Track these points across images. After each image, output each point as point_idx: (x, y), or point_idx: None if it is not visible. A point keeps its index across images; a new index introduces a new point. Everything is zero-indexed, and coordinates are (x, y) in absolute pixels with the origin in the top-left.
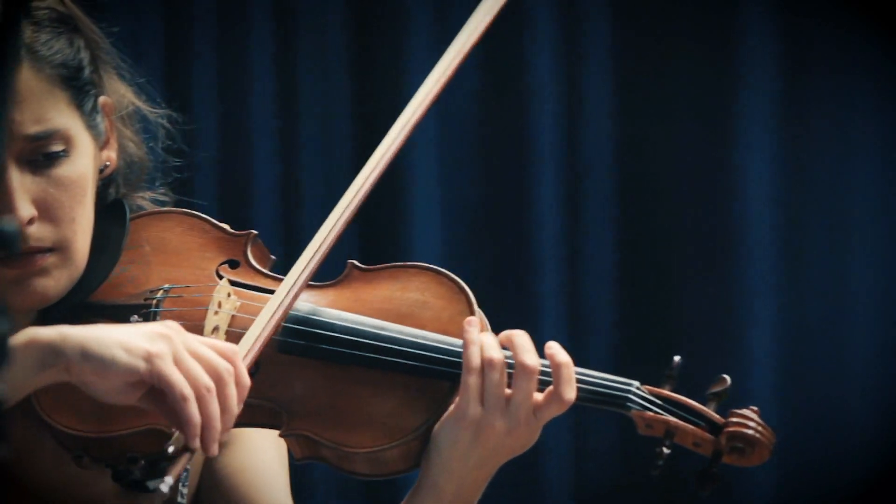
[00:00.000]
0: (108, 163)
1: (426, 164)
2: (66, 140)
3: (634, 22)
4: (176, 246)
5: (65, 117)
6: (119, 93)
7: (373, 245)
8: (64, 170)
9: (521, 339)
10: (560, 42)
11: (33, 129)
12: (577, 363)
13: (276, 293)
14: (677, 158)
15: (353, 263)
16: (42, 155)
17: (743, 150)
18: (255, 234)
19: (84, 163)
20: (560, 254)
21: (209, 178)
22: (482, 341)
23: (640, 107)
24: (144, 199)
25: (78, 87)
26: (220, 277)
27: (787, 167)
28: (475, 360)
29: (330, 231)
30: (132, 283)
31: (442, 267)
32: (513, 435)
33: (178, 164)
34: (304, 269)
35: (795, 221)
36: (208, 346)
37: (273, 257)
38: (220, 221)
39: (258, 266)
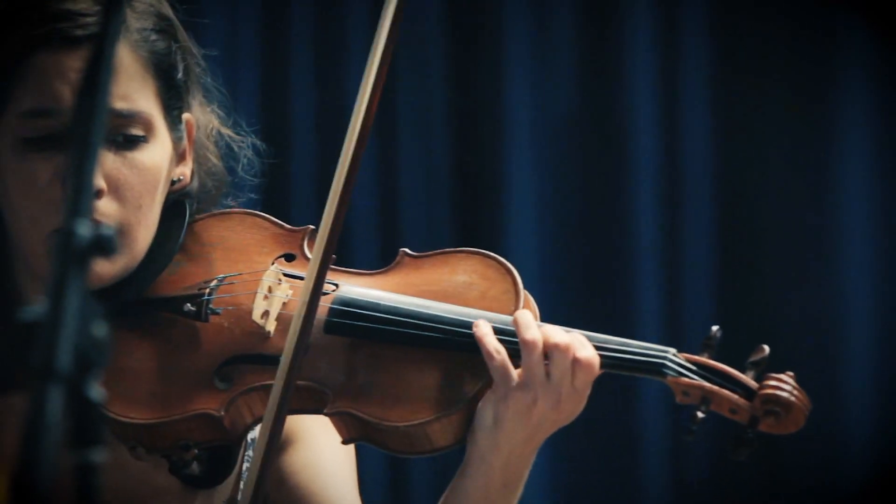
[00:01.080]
0: (181, 177)
1: (521, 175)
2: (148, 127)
3: (732, 36)
4: (236, 244)
5: (150, 105)
6: (205, 115)
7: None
8: (140, 155)
9: (547, 328)
10: (658, 45)
11: (119, 104)
12: None
13: (304, 281)
14: (774, 166)
15: (404, 251)
16: (122, 135)
17: (838, 157)
18: (313, 229)
19: (161, 156)
20: (657, 263)
21: (305, 173)
22: (519, 319)
23: (737, 114)
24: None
25: (168, 85)
26: None
27: (884, 169)
28: (490, 346)
29: (334, 211)
30: (192, 278)
31: (538, 275)
32: (557, 410)
33: (252, 182)
34: (322, 254)
35: (893, 225)
36: None
37: (333, 256)
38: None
39: None
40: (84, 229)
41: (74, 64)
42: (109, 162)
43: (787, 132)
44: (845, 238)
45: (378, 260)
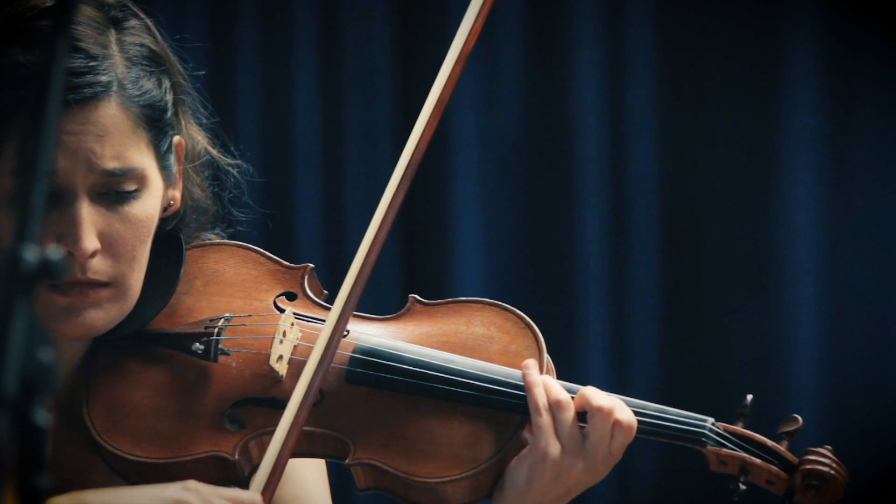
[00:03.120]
0: (172, 202)
1: (469, 195)
2: (140, 180)
3: (679, 49)
4: (230, 277)
5: (143, 157)
6: (194, 138)
7: (416, 270)
8: (133, 208)
9: (589, 390)
10: (605, 68)
11: (111, 164)
12: (619, 390)
13: (325, 323)
14: (721, 187)
15: (414, 297)
16: (114, 191)
17: (787, 179)
18: (312, 268)
19: (153, 204)
20: (604, 283)
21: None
22: (545, 381)
23: (684, 136)
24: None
25: (159, 128)
26: (279, 309)
27: (832, 195)
28: (541, 399)
29: (365, 258)
30: (189, 312)
31: (484, 295)
32: (591, 472)
33: (242, 218)
34: (347, 298)
35: (840, 248)
36: (228, 499)
37: (325, 291)
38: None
39: (316, 298)
40: (31, 254)
41: (65, 126)
42: (103, 220)
43: (734, 161)
44: (792, 264)
45: (324, 281)
